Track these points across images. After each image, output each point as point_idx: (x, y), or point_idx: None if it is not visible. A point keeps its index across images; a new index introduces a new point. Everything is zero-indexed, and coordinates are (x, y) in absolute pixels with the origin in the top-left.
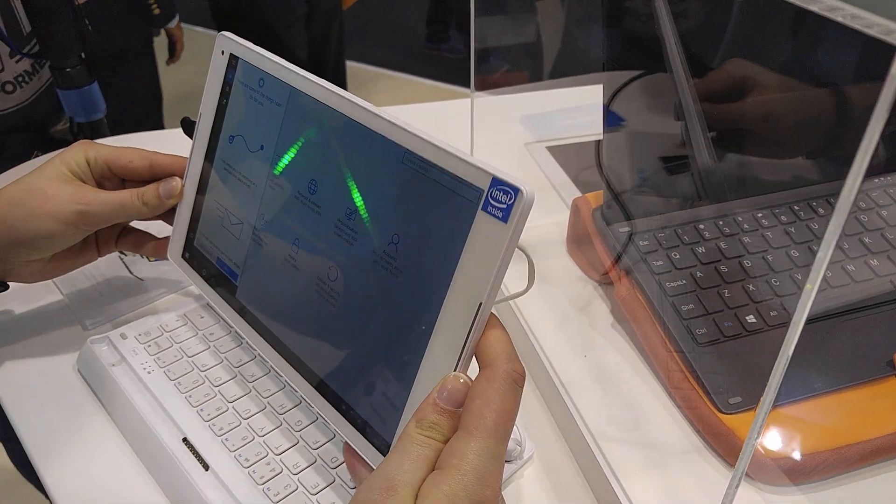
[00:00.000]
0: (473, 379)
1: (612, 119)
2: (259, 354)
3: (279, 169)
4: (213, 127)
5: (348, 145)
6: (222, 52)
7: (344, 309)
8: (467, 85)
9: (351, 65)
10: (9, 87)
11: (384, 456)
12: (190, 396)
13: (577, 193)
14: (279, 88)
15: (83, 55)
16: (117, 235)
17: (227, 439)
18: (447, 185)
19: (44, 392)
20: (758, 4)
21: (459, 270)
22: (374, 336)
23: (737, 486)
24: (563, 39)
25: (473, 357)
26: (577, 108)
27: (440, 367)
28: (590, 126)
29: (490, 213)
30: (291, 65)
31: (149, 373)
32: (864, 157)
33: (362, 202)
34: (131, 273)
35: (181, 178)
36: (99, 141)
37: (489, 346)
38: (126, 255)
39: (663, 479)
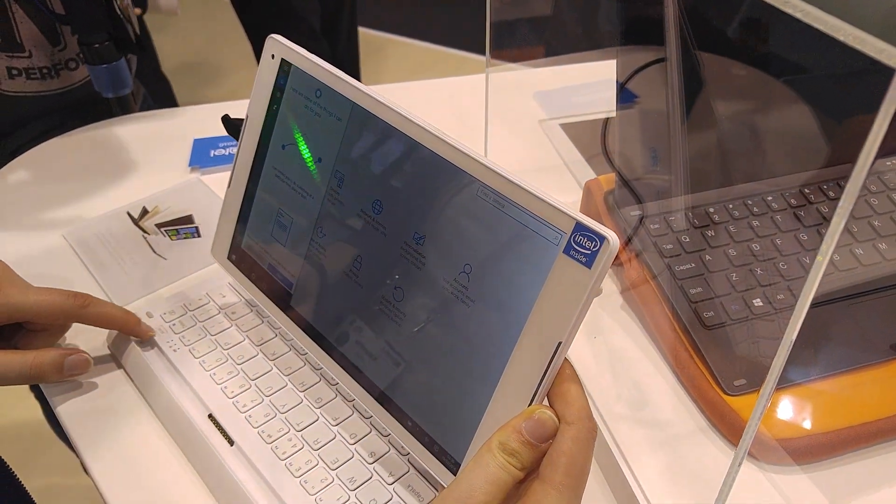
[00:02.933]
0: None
1: (624, 99)
2: (316, 364)
3: (340, 185)
4: (262, 131)
5: (417, 171)
6: (272, 57)
7: (410, 329)
8: (481, 52)
9: (363, 31)
10: (72, 64)
11: (453, 474)
12: (214, 374)
13: (591, 172)
14: (340, 102)
15: (111, 31)
16: None
17: (250, 416)
18: (524, 223)
19: None
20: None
21: (538, 308)
22: (444, 359)
23: (739, 465)
24: (580, 13)
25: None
26: (592, 84)
27: (514, 399)
28: (605, 103)
29: (573, 256)
30: (350, 78)
31: (174, 350)
32: (875, 141)
33: (432, 229)
34: (155, 253)
35: (126, 330)
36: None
37: (573, 400)
38: (149, 235)
39: (669, 458)
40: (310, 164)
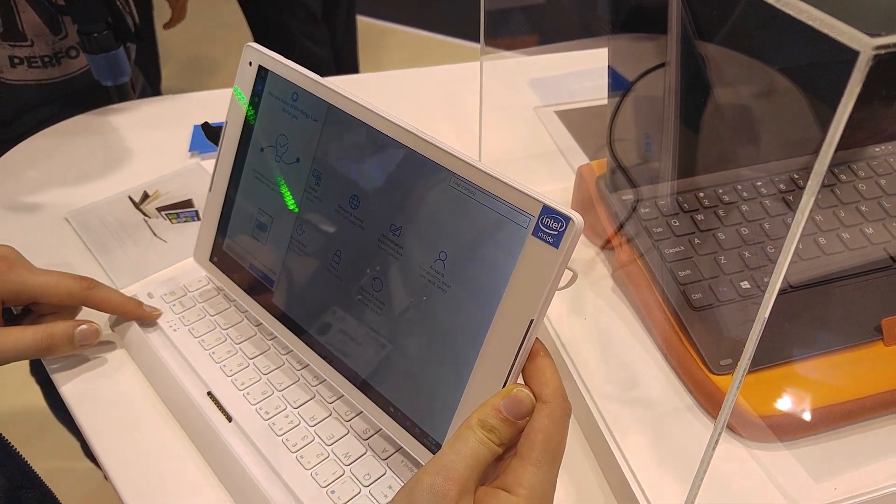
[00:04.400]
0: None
1: (616, 85)
2: (300, 357)
3: (318, 183)
4: (241, 136)
5: (391, 165)
6: (250, 64)
7: (390, 317)
8: (478, 40)
9: (361, 19)
10: (73, 53)
11: (433, 454)
12: (213, 353)
13: (585, 158)
14: (315, 104)
15: (110, 21)
16: None
17: (248, 393)
18: (496, 210)
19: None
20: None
21: (510, 288)
22: (423, 344)
23: (718, 436)
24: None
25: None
26: (587, 71)
27: (491, 377)
28: (600, 90)
29: (541, 237)
30: (326, 80)
31: (174, 330)
32: (840, 123)
33: (408, 220)
34: (156, 236)
35: (128, 315)
36: (23, 261)
37: (547, 380)
38: (150, 219)
39: (656, 435)
40: (288, 164)
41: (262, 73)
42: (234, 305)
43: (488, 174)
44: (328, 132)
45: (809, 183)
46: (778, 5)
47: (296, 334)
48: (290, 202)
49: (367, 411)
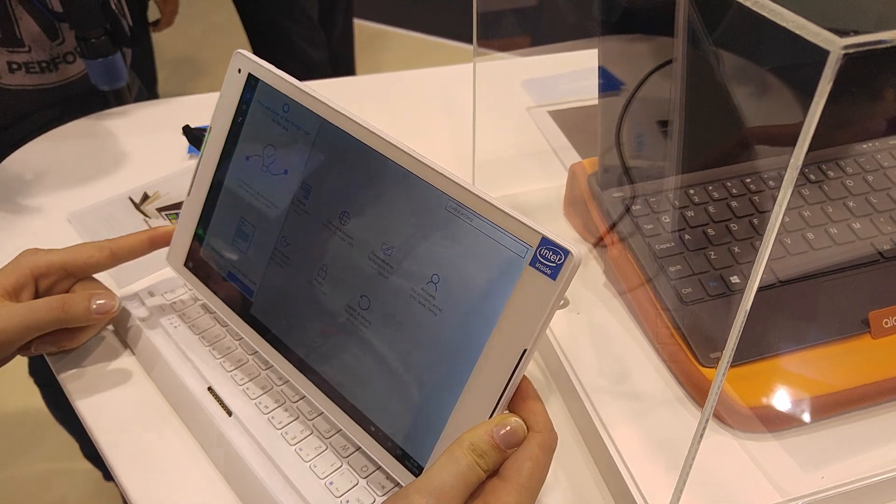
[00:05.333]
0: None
1: (606, 85)
2: (277, 369)
3: (306, 196)
4: (225, 142)
5: (385, 185)
6: (239, 71)
7: (375, 337)
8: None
9: (358, 22)
10: (70, 58)
11: (416, 476)
12: (213, 350)
13: (577, 157)
14: (308, 117)
15: (107, 26)
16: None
17: (248, 388)
18: (492, 237)
19: (85, 347)
20: None
21: (504, 317)
22: (410, 366)
23: (705, 424)
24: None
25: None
26: (579, 71)
27: (478, 405)
28: (591, 90)
29: (538, 269)
30: (320, 92)
31: (175, 327)
32: (812, 121)
33: (400, 240)
34: None
35: (154, 247)
36: (47, 249)
37: (539, 412)
38: (150, 219)
39: (648, 427)
40: (276, 175)
41: (252, 81)
42: None
43: (486, 201)
44: (320, 146)
45: (786, 176)
46: (753, 7)
47: (274, 347)
48: (276, 214)
49: (346, 429)
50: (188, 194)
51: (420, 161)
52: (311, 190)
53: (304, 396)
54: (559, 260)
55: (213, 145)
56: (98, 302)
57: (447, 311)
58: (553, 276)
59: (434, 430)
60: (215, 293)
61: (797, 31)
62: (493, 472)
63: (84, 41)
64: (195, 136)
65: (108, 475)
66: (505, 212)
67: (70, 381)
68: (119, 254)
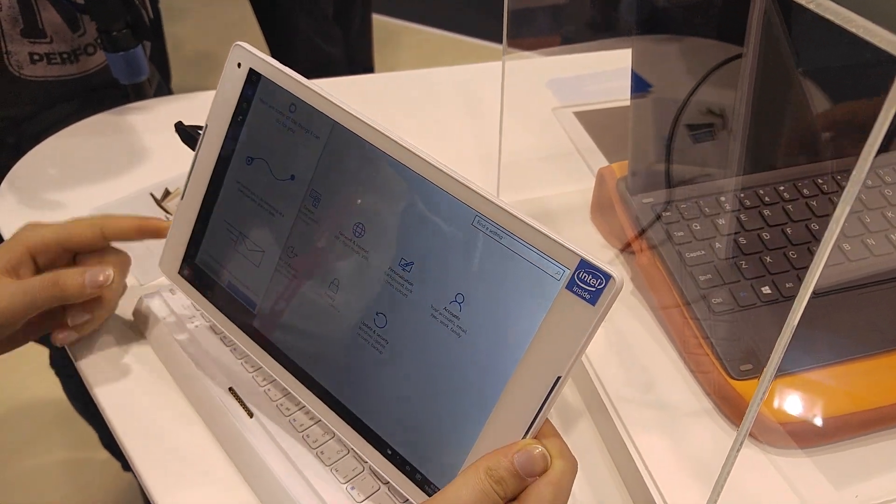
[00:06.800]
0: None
1: (638, 86)
2: (283, 385)
3: (315, 205)
4: (224, 142)
5: (406, 196)
6: (238, 65)
7: (393, 357)
8: (494, 39)
9: (376, 17)
10: (91, 50)
11: None
12: (234, 349)
13: (604, 160)
14: (318, 119)
15: (128, 19)
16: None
17: (268, 390)
18: (524, 256)
19: (105, 341)
20: None
21: (536, 342)
22: (431, 389)
23: (740, 446)
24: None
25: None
26: (607, 72)
27: (507, 431)
28: (618, 92)
29: (576, 293)
30: (331, 94)
31: (196, 326)
32: (881, 131)
33: (421, 256)
34: None
35: (142, 236)
36: (44, 222)
37: (557, 440)
38: (171, 215)
39: (674, 439)
40: (280, 181)
41: (254, 77)
42: None
43: (518, 218)
44: (331, 151)
45: (847, 189)
46: (818, 10)
47: (279, 362)
48: (280, 222)
49: (362, 452)
50: (181, 197)
51: (445, 172)
52: (321, 198)
53: None
54: (599, 284)
55: (210, 145)
56: (90, 275)
57: (472, 332)
58: (592, 302)
59: (457, 456)
60: (213, 304)
61: (868, 38)
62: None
63: (106, 34)
64: (189, 135)
65: (126, 466)
66: (538, 230)
67: (90, 372)
68: (108, 233)
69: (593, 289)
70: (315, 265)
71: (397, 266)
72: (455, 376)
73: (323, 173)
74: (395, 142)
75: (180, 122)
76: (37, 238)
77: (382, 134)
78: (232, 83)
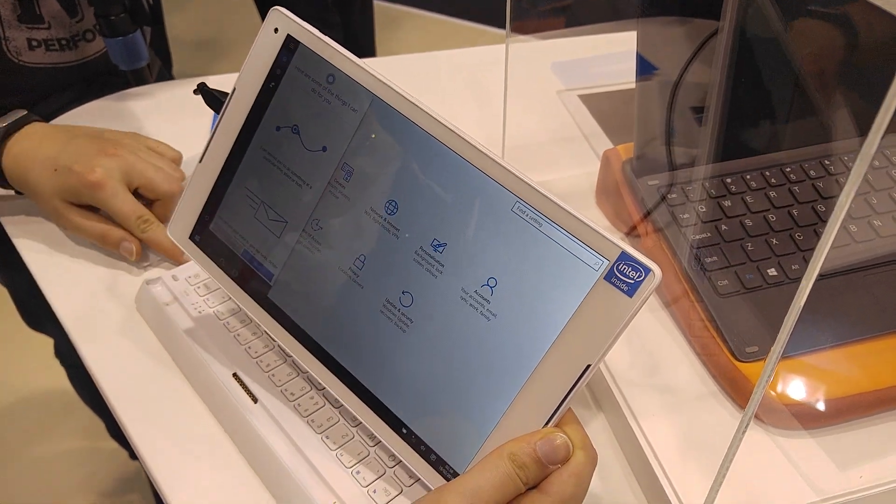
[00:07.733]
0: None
1: (644, 68)
2: (294, 359)
3: (347, 178)
4: (252, 108)
5: (444, 177)
6: (276, 31)
7: (415, 336)
8: (496, 24)
9: (377, 3)
10: (89, 36)
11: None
12: (238, 335)
13: (608, 143)
14: (357, 92)
15: (126, 4)
16: None
17: (273, 375)
18: (563, 245)
19: (108, 329)
20: None
21: (568, 329)
22: (454, 370)
23: (745, 428)
24: None
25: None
26: (611, 54)
27: (530, 416)
28: (623, 74)
29: (614, 284)
30: (371, 67)
31: (199, 312)
32: (886, 115)
33: (455, 237)
34: None
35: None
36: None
37: (579, 428)
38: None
39: (680, 421)
40: (312, 151)
41: (291, 43)
42: None
43: (561, 207)
44: (368, 126)
45: (853, 169)
46: None
47: (293, 335)
48: (307, 193)
49: (376, 430)
50: (200, 160)
51: (487, 155)
52: (354, 173)
53: None
54: (638, 277)
55: (237, 109)
56: (125, 245)
57: (502, 316)
58: (630, 294)
59: (476, 438)
60: (225, 272)
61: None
62: (533, 486)
63: (104, 18)
64: (213, 97)
65: (133, 454)
66: (581, 220)
67: (94, 361)
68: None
69: (632, 281)
70: (341, 239)
71: (429, 246)
72: (480, 360)
73: (357, 147)
74: (439, 122)
75: (204, 83)
76: (135, 177)
77: (426, 113)
78: (266, 48)
